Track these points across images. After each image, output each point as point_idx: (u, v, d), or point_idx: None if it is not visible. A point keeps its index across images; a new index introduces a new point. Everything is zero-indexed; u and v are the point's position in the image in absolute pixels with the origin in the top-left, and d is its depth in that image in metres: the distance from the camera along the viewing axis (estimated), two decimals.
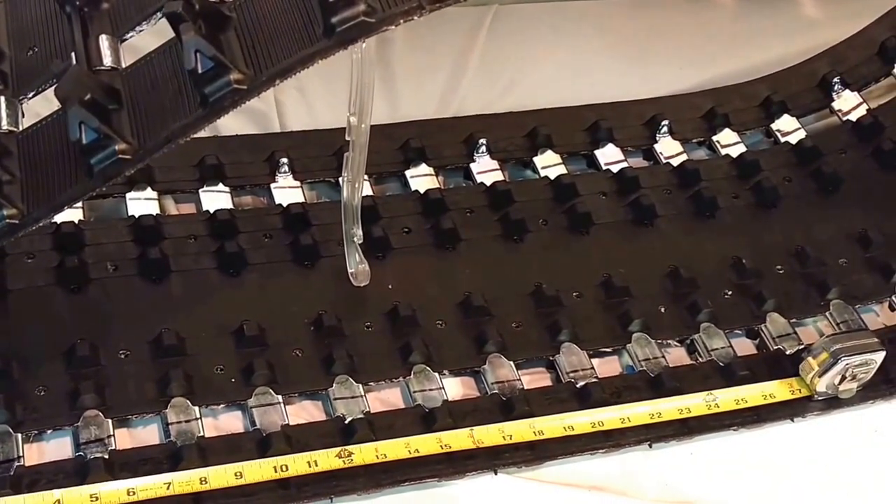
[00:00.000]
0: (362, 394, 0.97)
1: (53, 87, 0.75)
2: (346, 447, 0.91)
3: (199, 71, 0.70)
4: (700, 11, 1.45)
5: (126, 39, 0.79)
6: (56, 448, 0.90)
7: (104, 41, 0.77)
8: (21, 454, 0.87)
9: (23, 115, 0.79)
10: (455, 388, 1.00)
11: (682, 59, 1.36)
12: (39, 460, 0.89)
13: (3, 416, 0.88)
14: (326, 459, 0.90)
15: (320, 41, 0.73)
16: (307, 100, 1.22)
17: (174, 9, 0.71)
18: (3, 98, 0.78)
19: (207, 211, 1.07)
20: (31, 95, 0.80)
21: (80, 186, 0.73)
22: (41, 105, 0.83)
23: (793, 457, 1.01)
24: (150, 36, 0.80)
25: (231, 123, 1.12)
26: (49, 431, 0.90)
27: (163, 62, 0.76)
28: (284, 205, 1.09)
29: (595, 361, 1.03)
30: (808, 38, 1.38)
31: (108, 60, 0.76)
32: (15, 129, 0.78)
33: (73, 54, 0.77)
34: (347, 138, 0.94)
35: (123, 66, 0.78)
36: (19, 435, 0.88)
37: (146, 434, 0.93)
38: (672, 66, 1.35)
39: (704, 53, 1.37)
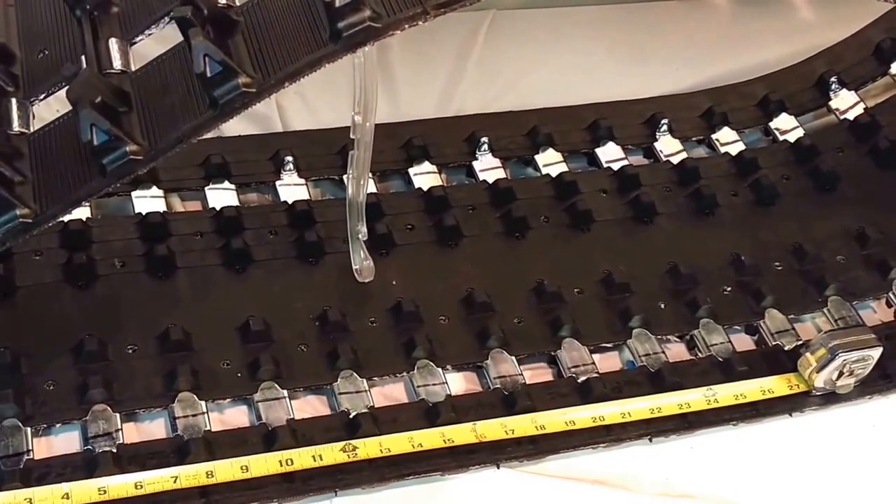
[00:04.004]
0: (366, 388, 0.97)
1: (65, 90, 0.76)
2: (351, 441, 0.92)
3: (208, 75, 0.71)
4: (696, 14, 1.46)
5: (135, 43, 0.80)
6: (65, 442, 0.91)
7: (114, 44, 0.78)
8: (30, 448, 0.88)
9: (33, 117, 0.80)
10: (458, 382, 1.01)
11: (679, 60, 1.37)
12: (48, 454, 0.89)
13: (12, 411, 0.89)
14: (331, 453, 0.91)
15: (327, 46, 0.74)
16: (308, 103, 1.23)
17: (183, 13, 0.72)
18: (14, 100, 0.79)
19: (214, 208, 1.08)
20: (41, 97, 0.81)
21: (93, 185, 0.74)
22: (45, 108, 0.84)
23: (791, 451, 1.01)
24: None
25: (235, 126, 1.13)
26: (58, 425, 0.91)
27: (172, 65, 0.77)
28: (289, 202, 1.09)
29: (596, 357, 1.04)
30: (804, 40, 1.39)
31: (117, 63, 0.77)
32: (26, 131, 0.79)
33: (83, 57, 0.78)
34: (352, 136, 0.95)
35: (133, 69, 0.78)
36: (28, 429, 0.89)
37: (153, 428, 0.94)
38: (669, 68, 1.36)
39: (701, 55, 1.38)
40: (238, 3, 0.78)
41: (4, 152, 0.74)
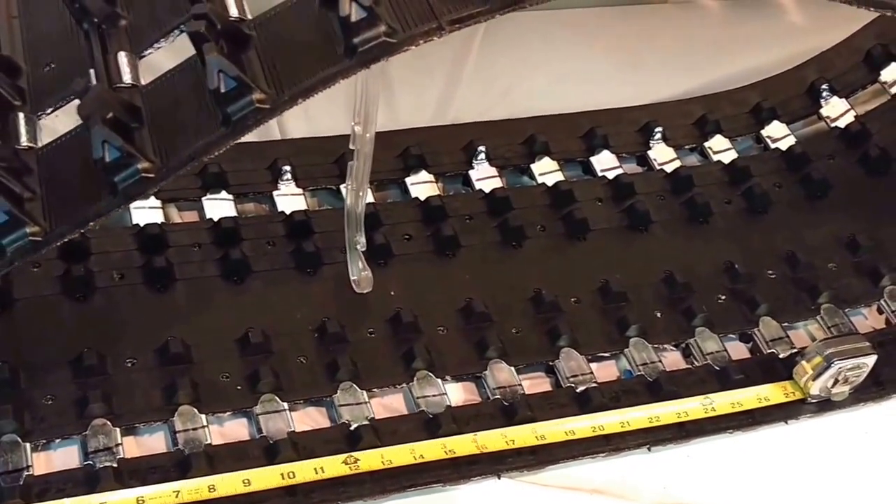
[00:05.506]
0: (367, 400, 0.97)
1: (77, 105, 0.74)
2: (352, 453, 0.92)
3: (222, 90, 0.70)
4: (689, 19, 1.46)
5: (144, 56, 0.79)
6: (64, 457, 0.90)
7: (123, 58, 0.77)
8: (30, 463, 0.87)
9: (40, 132, 0.79)
10: (457, 393, 1.01)
11: (673, 65, 1.37)
12: (48, 469, 0.89)
13: (11, 426, 0.88)
14: (333, 466, 0.91)
15: (342, 61, 0.73)
16: (306, 109, 1.21)
17: (197, 28, 0.71)
18: (21, 114, 0.78)
19: (211, 219, 1.07)
20: (49, 111, 0.79)
21: (104, 204, 0.73)
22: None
23: (787, 458, 1.02)
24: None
25: None
26: (57, 440, 0.91)
27: (183, 80, 0.76)
28: (287, 212, 1.09)
29: (593, 366, 1.05)
30: (796, 45, 1.39)
31: (127, 78, 0.76)
32: (34, 146, 0.77)
33: (91, 71, 0.77)
34: (352, 147, 0.94)
35: (143, 83, 0.78)
36: (28, 444, 0.88)
37: (153, 442, 0.93)
38: (662, 73, 1.36)
39: (694, 60, 1.38)
40: (250, 17, 0.77)
41: (13, 167, 0.73)
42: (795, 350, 1.08)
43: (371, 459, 0.92)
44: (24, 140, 0.77)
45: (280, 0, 0.79)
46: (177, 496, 0.87)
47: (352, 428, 0.95)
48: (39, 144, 0.78)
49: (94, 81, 0.75)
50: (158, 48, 0.79)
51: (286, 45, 0.76)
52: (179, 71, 0.77)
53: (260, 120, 0.72)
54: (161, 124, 0.75)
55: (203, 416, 0.93)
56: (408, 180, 1.16)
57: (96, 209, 0.73)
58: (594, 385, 1.02)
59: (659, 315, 1.10)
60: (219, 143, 0.72)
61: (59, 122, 0.83)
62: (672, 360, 1.08)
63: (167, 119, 0.75)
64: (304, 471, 0.91)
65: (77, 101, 0.75)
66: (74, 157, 0.76)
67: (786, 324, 1.11)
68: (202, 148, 0.72)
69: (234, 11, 0.77)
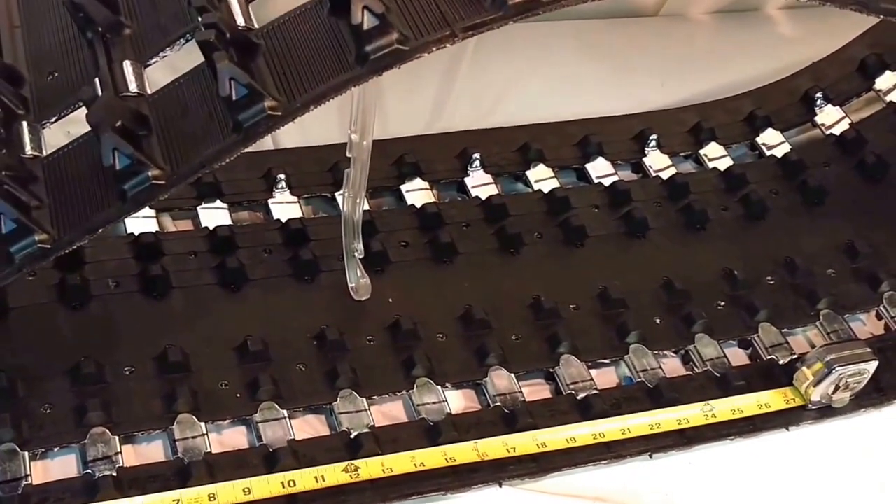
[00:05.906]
0: (366, 408, 0.97)
1: (85, 114, 0.74)
2: (353, 461, 0.91)
3: (234, 98, 0.70)
4: (680, 31, 1.46)
5: (149, 65, 0.78)
6: (63, 466, 0.89)
7: (128, 67, 0.77)
8: (28, 473, 0.87)
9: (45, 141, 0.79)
10: (456, 400, 1.01)
11: (664, 75, 1.37)
12: (46, 479, 0.88)
13: (9, 435, 0.87)
14: (333, 474, 0.91)
15: (353, 69, 0.73)
16: (299, 119, 1.21)
17: (207, 37, 0.71)
18: (25, 122, 0.78)
19: (206, 227, 1.06)
20: (53, 120, 0.79)
21: (114, 210, 0.73)
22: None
23: (788, 465, 1.02)
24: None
25: None
26: (56, 449, 0.90)
27: (190, 89, 0.76)
28: (283, 220, 1.08)
29: (593, 373, 1.04)
30: (786, 55, 1.40)
31: (133, 86, 0.76)
32: (39, 154, 0.77)
33: (96, 80, 0.77)
34: (349, 155, 0.94)
35: (149, 92, 0.77)
36: (26, 453, 0.87)
37: (153, 451, 0.93)
38: (654, 82, 1.36)
39: (685, 70, 1.39)
40: (256, 26, 0.77)
41: (20, 176, 0.72)
42: (795, 356, 1.08)
43: (371, 467, 0.92)
44: (28, 149, 0.76)
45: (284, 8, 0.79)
46: None
47: (352, 436, 0.94)
48: (45, 153, 0.77)
49: (99, 90, 0.75)
50: (164, 57, 0.78)
51: (295, 53, 0.76)
52: (185, 80, 0.77)
53: (272, 127, 0.72)
54: (170, 132, 0.75)
55: (202, 425, 0.92)
56: (403, 188, 1.15)
57: (105, 216, 0.73)
58: (595, 392, 1.02)
59: (658, 321, 1.09)
60: (230, 149, 0.72)
61: (50, 133, 0.83)
62: (672, 366, 1.08)
63: (176, 127, 0.75)
64: (305, 479, 0.90)
65: (78, 111, 0.75)
66: (81, 166, 0.75)
67: (785, 330, 1.11)
68: (213, 155, 0.72)
69: (240, 20, 0.77)
